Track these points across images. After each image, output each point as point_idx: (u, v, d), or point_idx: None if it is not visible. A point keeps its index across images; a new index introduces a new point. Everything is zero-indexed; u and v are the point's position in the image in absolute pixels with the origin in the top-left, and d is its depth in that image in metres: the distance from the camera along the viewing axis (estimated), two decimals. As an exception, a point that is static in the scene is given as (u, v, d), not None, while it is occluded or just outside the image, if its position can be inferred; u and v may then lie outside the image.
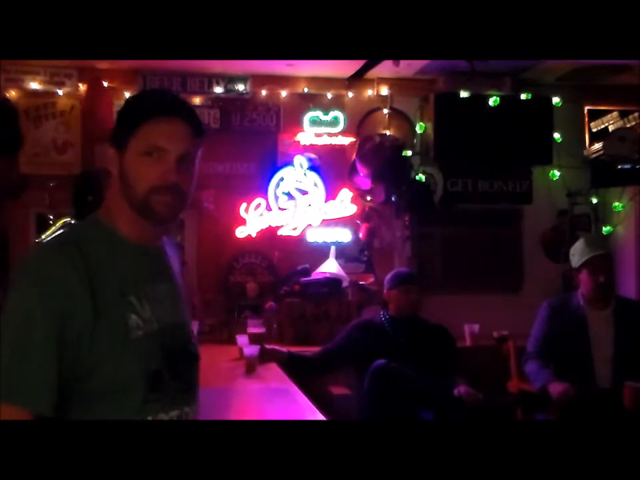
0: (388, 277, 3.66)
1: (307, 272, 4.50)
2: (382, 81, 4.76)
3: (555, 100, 4.76)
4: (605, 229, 4.93)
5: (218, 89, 4.60)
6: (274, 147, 4.69)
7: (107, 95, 4.46)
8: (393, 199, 4.59)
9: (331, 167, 4.69)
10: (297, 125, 4.71)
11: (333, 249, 4.61)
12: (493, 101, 4.59)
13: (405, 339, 3.45)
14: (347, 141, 4.75)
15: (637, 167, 4.62)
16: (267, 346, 3.49)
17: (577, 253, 3.35)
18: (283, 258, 4.64)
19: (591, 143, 4.89)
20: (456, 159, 4.73)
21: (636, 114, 4.91)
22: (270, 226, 4.59)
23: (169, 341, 1.31)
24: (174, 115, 1.32)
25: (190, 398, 1.26)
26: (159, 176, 1.29)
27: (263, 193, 4.61)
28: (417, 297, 3.56)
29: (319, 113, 4.72)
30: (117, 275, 1.28)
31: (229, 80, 4.62)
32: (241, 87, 4.63)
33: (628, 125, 4.91)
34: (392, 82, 4.76)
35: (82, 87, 4.45)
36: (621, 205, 4.87)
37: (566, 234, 4.70)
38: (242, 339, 3.62)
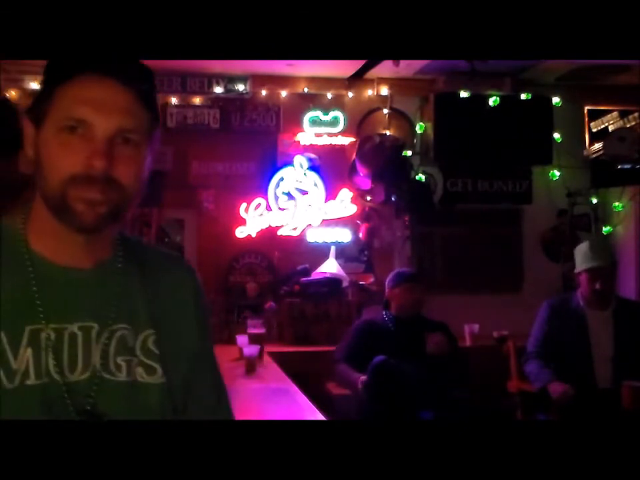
0: (390, 275, 3.66)
1: (307, 272, 4.51)
2: (382, 80, 4.75)
3: (555, 100, 4.76)
4: (605, 229, 4.93)
5: (218, 89, 4.61)
6: (274, 147, 4.70)
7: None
8: (392, 199, 4.59)
9: (330, 167, 4.69)
10: (297, 125, 4.71)
11: (332, 249, 4.62)
12: (492, 101, 4.59)
13: (408, 338, 3.44)
14: (347, 141, 4.76)
15: (637, 166, 4.62)
16: None
17: (580, 256, 3.35)
18: (283, 258, 4.64)
19: (591, 143, 4.89)
20: (456, 159, 4.73)
21: (636, 114, 4.91)
22: (270, 226, 4.59)
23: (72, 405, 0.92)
24: (108, 73, 0.94)
25: None
26: (81, 160, 0.92)
27: (263, 193, 4.61)
28: (419, 295, 3.56)
29: (318, 113, 4.72)
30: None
31: (229, 80, 4.62)
32: (240, 87, 4.63)
33: (628, 125, 4.91)
34: (392, 82, 4.76)
35: (82, 87, 4.44)
36: (621, 205, 4.87)
37: (566, 234, 4.70)
38: (242, 339, 3.62)
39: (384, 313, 3.60)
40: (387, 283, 3.64)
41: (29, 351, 0.92)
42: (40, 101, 0.97)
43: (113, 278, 1.03)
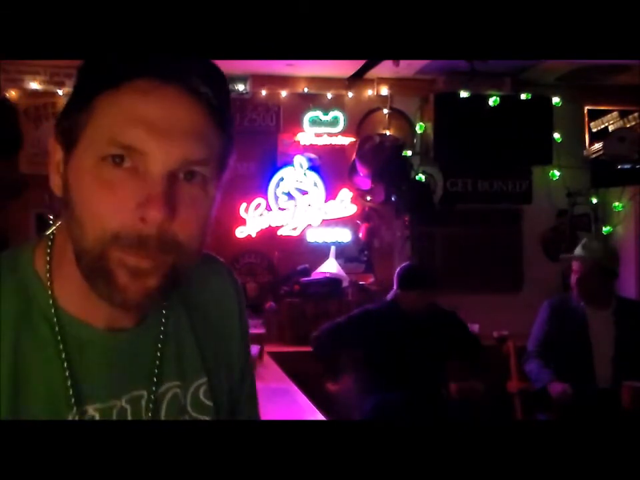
0: (403, 273, 3.50)
1: (307, 272, 4.51)
2: (382, 80, 4.75)
3: (555, 100, 4.76)
4: (605, 229, 4.93)
5: (218, 89, 4.61)
6: (274, 147, 4.70)
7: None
8: (392, 199, 4.59)
9: (330, 167, 4.69)
10: (297, 125, 4.71)
11: (332, 248, 4.62)
12: (492, 101, 4.59)
13: (414, 329, 3.41)
14: (346, 141, 4.75)
15: (637, 166, 4.62)
16: None
17: (577, 248, 3.41)
18: (283, 258, 4.64)
19: (591, 143, 4.89)
20: (456, 159, 4.73)
21: (636, 114, 4.91)
22: (270, 226, 4.59)
23: None
24: (171, 77, 0.69)
25: None
26: (129, 209, 0.67)
27: (263, 193, 4.61)
28: (433, 300, 3.49)
29: (318, 113, 4.72)
30: (41, 380, 0.72)
31: (229, 80, 4.61)
32: (240, 87, 4.63)
33: (628, 125, 4.91)
34: (392, 82, 4.76)
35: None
36: (621, 205, 4.88)
37: (566, 234, 4.70)
38: (242, 339, 3.61)
39: (390, 302, 3.53)
40: (397, 280, 3.50)
41: None
42: (72, 116, 0.70)
43: (159, 328, 0.82)
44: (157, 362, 0.81)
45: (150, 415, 0.81)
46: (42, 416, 0.73)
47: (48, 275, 0.77)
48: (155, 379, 0.81)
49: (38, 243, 0.80)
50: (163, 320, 0.83)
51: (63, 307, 0.76)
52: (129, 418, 0.79)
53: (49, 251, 0.78)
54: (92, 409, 0.76)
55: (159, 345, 0.82)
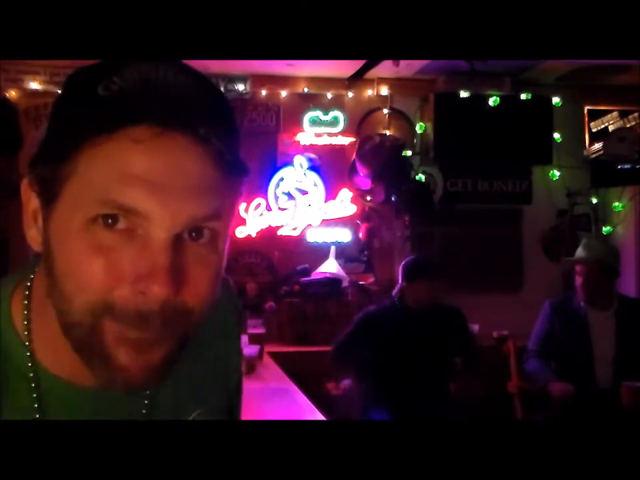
0: (407, 265, 3.47)
1: (307, 272, 4.50)
2: (382, 80, 4.75)
3: (555, 100, 4.76)
4: (605, 229, 4.93)
5: (218, 89, 4.61)
6: (274, 147, 4.69)
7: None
8: (392, 198, 4.59)
9: (331, 167, 4.69)
10: (297, 125, 4.71)
11: (332, 248, 4.61)
12: (492, 101, 4.59)
13: (418, 328, 3.39)
14: (346, 141, 4.75)
15: (637, 166, 4.62)
16: None
17: (577, 250, 3.40)
18: (282, 258, 4.64)
19: (591, 143, 4.89)
20: (456, 159, 4.73)
21: (636, 114, 4.91)
22: (270, 226, 4.59)
23: None
24: (176, 123, 0.56)
25: None
26: (127, 280, 0.57)
27: (263, 193, 4.60)
28: (440, 290, 3.45)
29: (318, 113, 4.72)
30: None
31: (229, 80, 4.62)
32: (240, 87, 4.63)
33: (628, 125, 4.91)
34: (392, 82, 4.76)
35: (82, 87, 4.44)
36: (620, 205, 4.87)
37: (566, 234, 4.70)
38: (242, 339, 3.61)
39: (396, 302, 3.50)
40: (403, 273, 3.46)
41: None
42: (50, 163, 0.58)
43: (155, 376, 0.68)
44: (150, 407, 0.74)
45: None
46: None
47: (26, 332, 0.65)
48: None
49: (14, 289, 0.67)
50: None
51: (45, 365, 0.65)
52: None
53: (26, 302, 0.66)
54: None
55: (154, 391, 0.74)
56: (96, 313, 0.57)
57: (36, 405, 0.65)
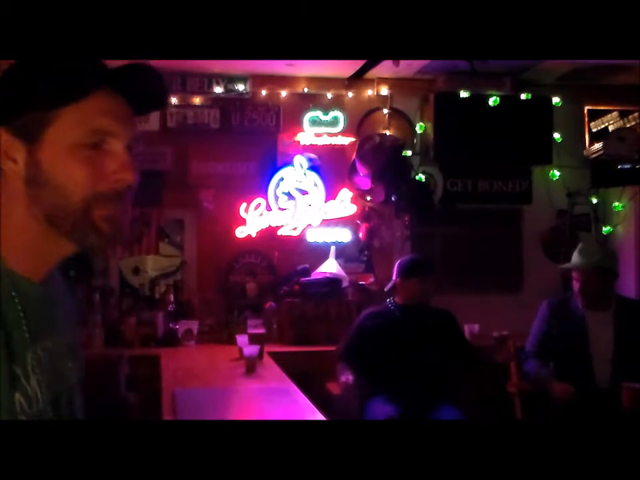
0: (403, 263, 3.57)
1: (307, 272, 4.50)
2: (382, 81, 4.76)
3: (555, 100, 4.76)
4: (605, 229, 4.93)
5: (218, 89, 4.60)
6: (274, 147, 4.69)
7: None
8: (392, 199, 4.59)
9: (331, 166, 4.69)
10: (297, 125, 4.71)
11: (332, 248, 4.62)
12: (492, 101, 4.59)
13: (414, 326, 3.45)
14: (346, 140, 4.76)
15: (637, 166, 4.62)
16: None
17: (573, 255, 3.38)
18: (282, 258, 4.64)
19: (591, 143, 4.89)
20: (456, 159, 4.73)
21: (636, 114, 4.91)
22: (270, 226, 4.59)
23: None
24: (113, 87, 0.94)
25: None
26: (108, 176, 0.90)
27: (263, 193, 4.61)
28: (433, 288, 3.53)
29: (318, 113, 4.72)
30: None
31: (229, 80, 4.62)
32: (240, 87, 4.63)
33: (628, 125, 4.91)
34: (392, 82, 4.77)
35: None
36: (620, 205, 4.87)
37: (566, 234, 4.70)
38: (242, 339, 3.61)
39: (388, 300, 3.58)
40: (398, 270, 3.55)
41: (34, 376, 0.88)
42: (28, 115, 0.89)
43: (55, 289, 1.02)
44: (54, 315, 0.98)
45: (69, 361, 0.99)
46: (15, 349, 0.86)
47: None
48: (63, 328, 0.99)
49: None
50: (53, 288, 1.00)
51: (9, 266, 0.91)
52: (55, 359, 0.94)
53: None
54: (37, 348, 0.90)
55: (57, 301, 1.01)
56: (87, 201, 0.89)
57: (14, 298, 0.89)
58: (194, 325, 4.18)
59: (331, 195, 4.68)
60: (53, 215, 0.90)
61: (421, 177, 4.78)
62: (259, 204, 4.58)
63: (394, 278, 3.58)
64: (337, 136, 4.76)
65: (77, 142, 0.89)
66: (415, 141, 4.82)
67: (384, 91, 4.77)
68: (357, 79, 4.66)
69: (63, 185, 0.89)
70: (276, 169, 4.64)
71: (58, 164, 0.89)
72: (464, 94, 4.61)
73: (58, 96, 0.89)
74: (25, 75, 0.91)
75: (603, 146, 4.65)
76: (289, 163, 4.64)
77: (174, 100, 4.56)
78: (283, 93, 4.68)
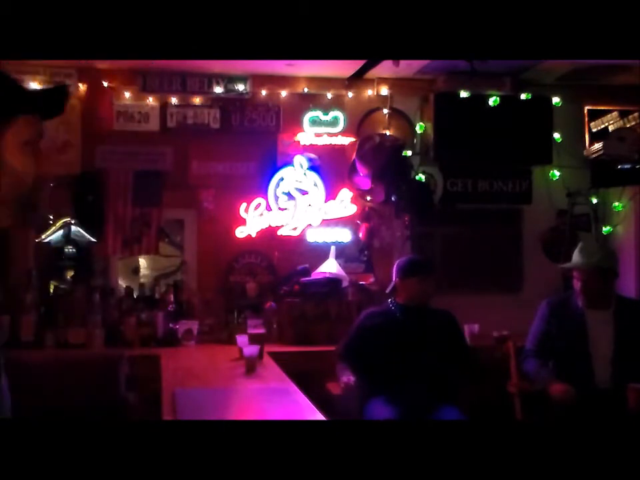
0: (402, 263, 3.59)
1: (307, 272, 4.50)
2: (382, 81, 4.75)
3: (555, 100, 4.76)
4: (605, 229, 4.93)
5: (218, 89, 4.60)
6: (274, 147, 4.69)
7: (107, 95, 4.47)
8: (392, 199, 4.59)
9: (331, 166, 4.69)
10: (297, 125, 4.71)
11: (332, 248, 4.61)
12: (492, 101, 4.59)
13: (414, 326, 3.45)
14: (346, 141, 4.75)
15: (637, 166, 4.62)
16: None
17: (574, 254, 3.38)
18: (282, 258, 4.64)
19: (591, 143, 4.89)
20: (456, 159, 4.73)
21: (636, 114, 4.91)
22: (270, 226, 4.59)
23: None
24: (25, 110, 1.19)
25: None
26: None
27: (263, 193, 4.60)
28: (433, 288, 3.54)
29: (318, 113, 4.72)
30: None
31: (229, 80, 4.62)
32: (240, 87, 4.63)
33: (628, 125, 4.91)
34: (392, 82, 4.76)
35: (82, 87, 4.45)
36: (620, 205, 4.87)
37: (566, 234, 4.70)
38: (242, 339, 3.61)
39: (390, 301, 3.59)
40: (397, 270, 3.56)
41: None
42: None
43: None
44: None
45: None
46: None
47: None
48: None
49: None
50: None
51: None
52: None
53: None
54: None
55: None
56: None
57: None
58: (194, 325, 4.17)
59: (330, 195, 4.67)
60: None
61: (421, 176, 4.78)
62: (259, 204, 4.58)
63: (393, 278, 3.59)
64: (336, 136, 4.76)
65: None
66: (415, 140, 4.81)
67: (384, 91, 4.77)
68: (357, 79, 4.65)
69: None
70: (276, 169, 4.64)
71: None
72: (464, 94, 4.60)
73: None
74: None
75: (603, 146, 4.64)
76: (288, 162, 4.64)
77: (174, 100, 4.56)
78: (283, 93, 4.67)
